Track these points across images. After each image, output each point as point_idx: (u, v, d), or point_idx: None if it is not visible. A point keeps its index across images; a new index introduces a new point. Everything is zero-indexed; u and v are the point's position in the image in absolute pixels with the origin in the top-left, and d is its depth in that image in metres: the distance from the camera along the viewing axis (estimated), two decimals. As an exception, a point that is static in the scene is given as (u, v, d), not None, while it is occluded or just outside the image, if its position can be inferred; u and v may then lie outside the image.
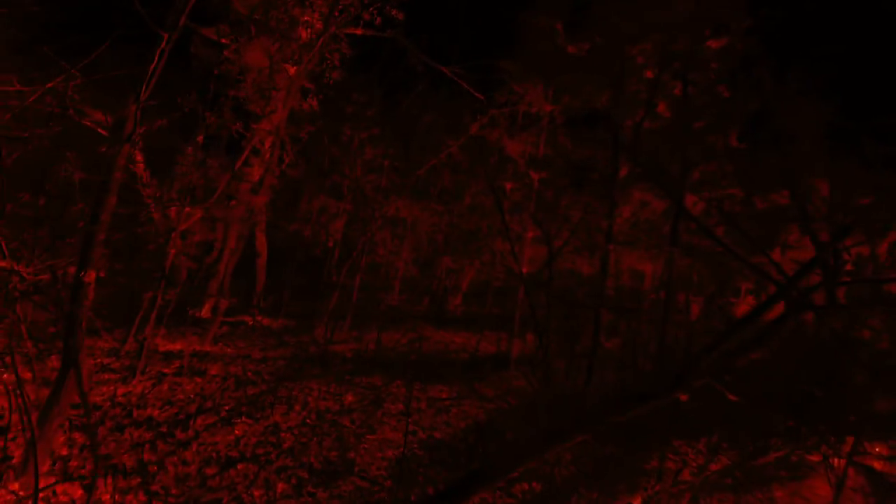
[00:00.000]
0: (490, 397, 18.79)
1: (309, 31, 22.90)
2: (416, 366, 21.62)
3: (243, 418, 14.12)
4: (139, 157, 20.44)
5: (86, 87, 14.56)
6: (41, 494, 9.70)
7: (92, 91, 15.89)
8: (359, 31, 24.75)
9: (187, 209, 15.25)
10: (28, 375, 12.01)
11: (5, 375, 12.09)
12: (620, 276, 26.02)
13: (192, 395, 15.03)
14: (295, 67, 22.05)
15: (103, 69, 18.67)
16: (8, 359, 11.72)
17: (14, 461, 10.55)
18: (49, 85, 12.80)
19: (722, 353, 8.69)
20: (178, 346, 19.44)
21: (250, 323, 24.85)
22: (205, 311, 24.42)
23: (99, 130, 15.62)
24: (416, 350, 23.61)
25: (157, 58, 10.83)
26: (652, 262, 24.39)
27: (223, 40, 19.83)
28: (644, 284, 28.39)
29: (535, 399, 18.79)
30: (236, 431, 13.35)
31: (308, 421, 14.58)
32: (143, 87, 10.51)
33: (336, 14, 23.29)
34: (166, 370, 16.77)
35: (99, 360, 16.65)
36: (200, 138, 16.01)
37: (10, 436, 11.53)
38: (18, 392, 9.73)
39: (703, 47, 18.60)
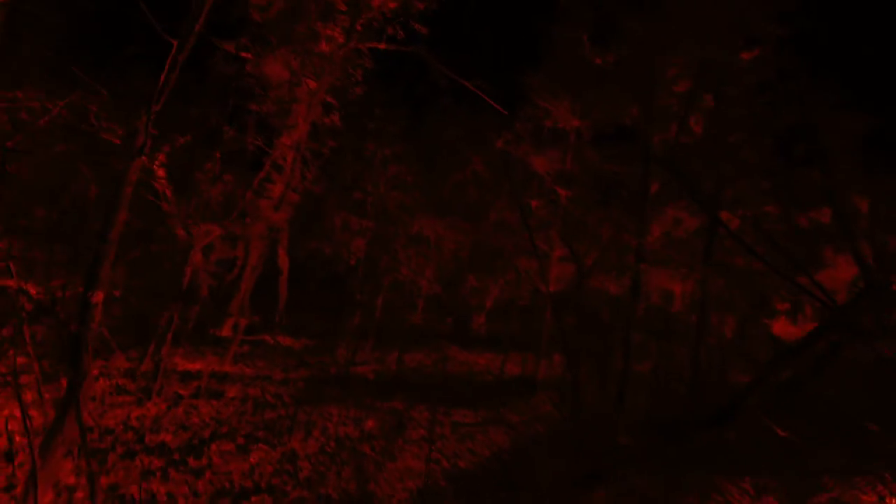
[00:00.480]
0: (515, 423, 18.04)
1: (331, 44, 22.46)
2: (440, 388, 20.94)
3: (260, 445, 13.52)
4: (161, 173, 20.06)
5: (109, 102, 14.19)
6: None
7: (114, 107, 15.57)
8: (381, 46, 24.32)
9: (204, 226, 14.75)
10: (36, 398, 11.54)
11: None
12: (649, 295, 25.16)
13: (207, 420, 14.46)
14: (316, 82, 21.61)
15: (126, 84, 18.46)
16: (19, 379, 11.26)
17: (17, 490, 10.04)
18: (64, 101, 12.41)
19: (771, 385, 7.96)
20: (197, 366, 18.94)
21: (271, 342, 24.35)
22: (225, 330, 23.96)
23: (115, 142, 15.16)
24: (439, 371, 22.93)
25: (167, 67, 10.35)
26: (682, 282, 23.54)
27: (242, 54, 19.42)
28: (673, 305, 27.52)
29: (563, 427, 18.04)
30: (252, 459, 12.74)
31: (327, 448, 13.94)
32: (155, 98, 10.02)
33: (358, 28, 22.88)
34: (183, 391, 16.25)
35: (114, 381, 16.19)
36: (218, 153, 15.53)
37: (16, 461, 11.05)
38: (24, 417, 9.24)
39: (737, 58, 17.89)
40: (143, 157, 9.72)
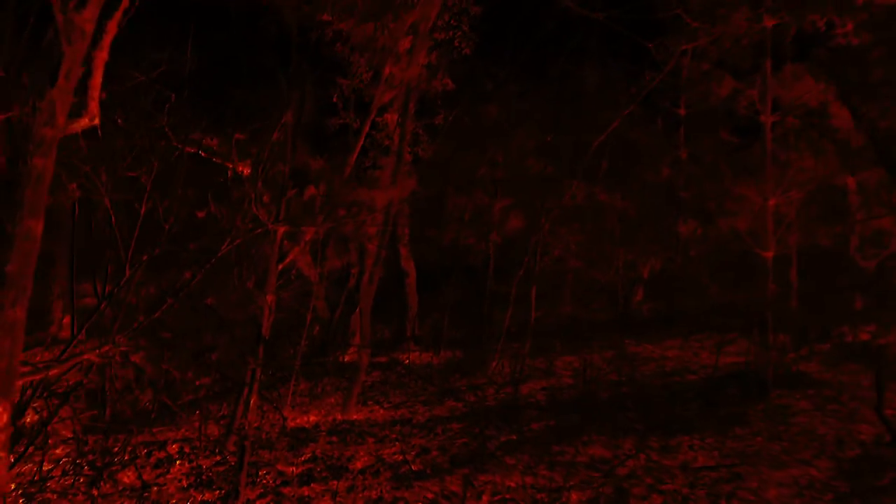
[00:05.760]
0: (776, 455, 11.25)
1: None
2: (637, 405, 14.40)
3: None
4: (248, 172, 14.48)
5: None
6: None
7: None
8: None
9: (282, 229, 8.89)
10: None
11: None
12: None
13: (322, 528, 8.62)
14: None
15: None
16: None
17: None
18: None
19: None
20: (312, 418, 13.33)
21: (406, 362, 18.59)
22: (350, 355, 18.44)
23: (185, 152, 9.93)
24: (627, 377, 16.35)
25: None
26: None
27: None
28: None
29: (850, 454, 11.18)
30: None
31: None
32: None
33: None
34: (291, 469, 10.52)
35: (195, 464, 10.70)
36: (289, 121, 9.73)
37: None
38: None
39: None
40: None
